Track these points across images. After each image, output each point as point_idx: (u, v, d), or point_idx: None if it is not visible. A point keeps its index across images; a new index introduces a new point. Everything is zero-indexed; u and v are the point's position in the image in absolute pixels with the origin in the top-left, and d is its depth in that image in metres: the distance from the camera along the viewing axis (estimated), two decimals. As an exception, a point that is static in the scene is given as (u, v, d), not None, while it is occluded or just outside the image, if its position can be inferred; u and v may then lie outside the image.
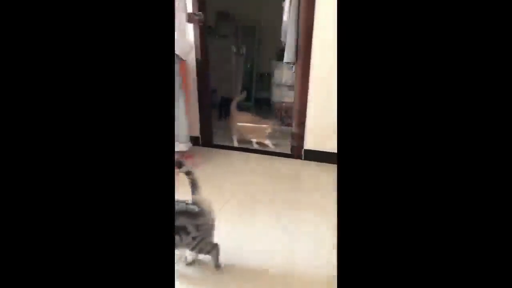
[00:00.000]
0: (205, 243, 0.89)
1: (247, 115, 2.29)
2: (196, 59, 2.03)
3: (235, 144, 2.26)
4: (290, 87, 2.64)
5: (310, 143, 1.94)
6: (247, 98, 3.78)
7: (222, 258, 0.94)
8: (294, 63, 1.88)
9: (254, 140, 2.24)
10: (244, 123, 2.22)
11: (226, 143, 2.27)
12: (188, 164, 0.90)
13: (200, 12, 1.85)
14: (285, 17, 1.81)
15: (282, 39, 1.99)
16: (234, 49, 3.26)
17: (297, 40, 1.79)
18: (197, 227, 0.87)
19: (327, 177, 1.71)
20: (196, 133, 2.23)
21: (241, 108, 2.37)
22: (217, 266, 0.94)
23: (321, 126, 1.86)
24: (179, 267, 0.95)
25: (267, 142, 2.21)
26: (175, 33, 1.49)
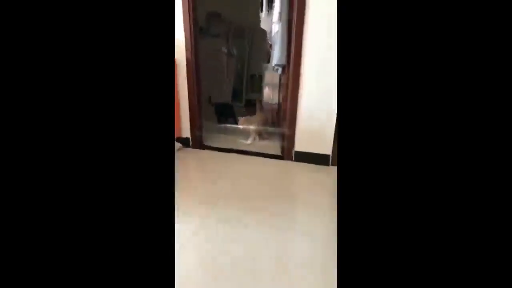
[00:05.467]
0: None
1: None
2: (187, 59, 2.01)
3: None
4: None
5: (300, 145, 1.95)
6: (238, 99, 3.77)
7: (215, 261, 0.92)
8: (282, 66, 1.88)
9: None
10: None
11: (217, 145, 2.25)
12: None
13: None
14: (275, 19, 1.81)
15: (271, 41, 2.00)
16: (225, 50, 3.24)
17: (288, 43, 1.79)
18: None
19: (318, 178, 1.72)
20: (187, 134, 2.21)
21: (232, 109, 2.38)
22: None
23: (312, 128, 1.88)
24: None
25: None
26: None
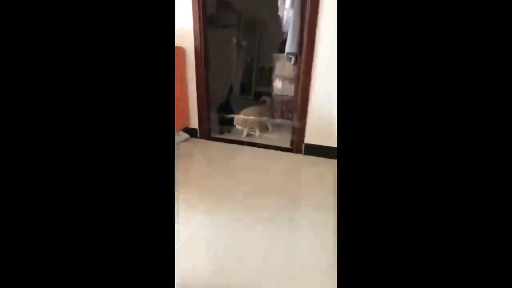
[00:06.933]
0: None
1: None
2: (195, 48, 1.97)
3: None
4: (291, 81, 2.58)
5: (311, 138, 1.89)
6: (247, 92, 3.72)
7: (220, 256, 0.90)
8: (295, 54, 1.82)
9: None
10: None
11: (225, 136, 2.22)
12: None
13: None
14: (287, 5, 1.74)
15: (284, 29, 1.93)
16: (235, 41, 3.18)
17: (301, 31, 1.72)
18: None
19: (327, 172, 1.67)
20: (195, 125, 2.18)
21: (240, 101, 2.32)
22: None
23: (323, 121, 1.82)
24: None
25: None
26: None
